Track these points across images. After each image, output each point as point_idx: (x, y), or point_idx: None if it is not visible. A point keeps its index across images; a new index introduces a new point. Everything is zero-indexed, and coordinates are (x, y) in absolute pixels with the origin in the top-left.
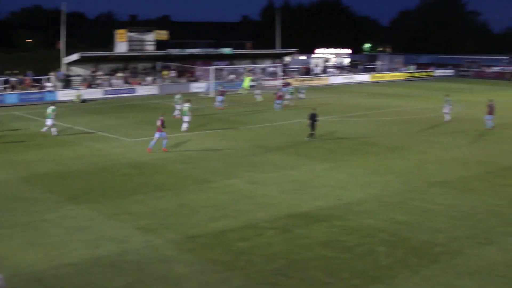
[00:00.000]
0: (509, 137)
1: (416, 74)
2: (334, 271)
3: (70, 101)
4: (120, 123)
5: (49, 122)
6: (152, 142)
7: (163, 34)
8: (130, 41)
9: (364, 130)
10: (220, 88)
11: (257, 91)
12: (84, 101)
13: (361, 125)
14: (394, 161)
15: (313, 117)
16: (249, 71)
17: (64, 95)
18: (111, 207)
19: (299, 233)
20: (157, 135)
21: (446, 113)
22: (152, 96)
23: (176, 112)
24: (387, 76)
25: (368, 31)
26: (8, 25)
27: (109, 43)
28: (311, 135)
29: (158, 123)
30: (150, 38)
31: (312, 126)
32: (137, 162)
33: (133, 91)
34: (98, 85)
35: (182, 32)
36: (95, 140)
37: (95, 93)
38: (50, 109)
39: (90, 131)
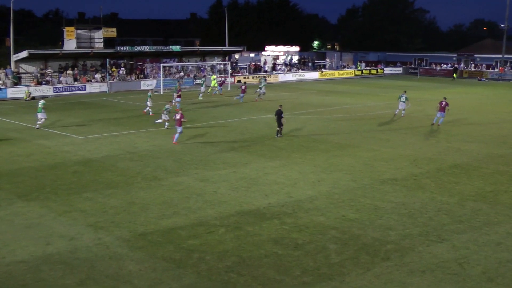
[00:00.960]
0: (458, 135)
1: (366, 72)
2: (285, 269)
3: (21, 98)
4: (70, 120)
5: (40, 115)
6: (176, 135)
7: (111, 32)
8: (79, 38)
9: (314, 128)
10: (178, 88)
11: (202, 89)
12: (34, 98)
13: (311, 122)
14: (344, 158)
15: (278, 113)
16: (211, 70)
17: (14, 92)
18: (62, 204)
19: (250, 230)
20: (179, 129)
21: (400, 109)
22: (102, 94)
23: (147, 109)
24: (337, 74)
25: (316, 28)
26: None
27: (58, 41)
28: (278, 131)
29: (178, 116)
30: (99, 36)
31: (279, 122)
32: (87, 160)
33: (82, 88)
34: (47, 83)
35: (130, 29)
36: (45, 137)
37: (44, 91)
38: (40, 103)
39: (40, 128)
